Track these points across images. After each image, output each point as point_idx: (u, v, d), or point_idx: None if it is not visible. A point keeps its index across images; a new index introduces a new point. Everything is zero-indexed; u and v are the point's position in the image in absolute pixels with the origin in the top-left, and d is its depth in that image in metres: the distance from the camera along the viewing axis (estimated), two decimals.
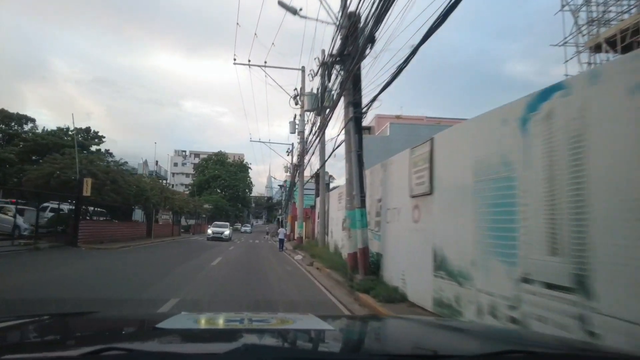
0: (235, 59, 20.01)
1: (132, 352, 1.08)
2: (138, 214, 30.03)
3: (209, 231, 31.33)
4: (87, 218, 19.10)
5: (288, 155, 36.41)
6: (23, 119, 33.85)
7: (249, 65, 19.09)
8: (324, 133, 15.17)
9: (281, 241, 22.21)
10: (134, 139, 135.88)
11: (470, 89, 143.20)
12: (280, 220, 50.19)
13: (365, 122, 13.01)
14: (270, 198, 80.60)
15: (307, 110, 17.51)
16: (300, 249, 20.25)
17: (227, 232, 30.64)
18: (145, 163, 47.10)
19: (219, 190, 63.00)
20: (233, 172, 67.13)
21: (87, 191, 15.54)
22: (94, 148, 33.10)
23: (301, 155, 21.18)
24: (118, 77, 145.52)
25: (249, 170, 70.71)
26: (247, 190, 69.98)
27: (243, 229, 57.36)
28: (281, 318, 2.00)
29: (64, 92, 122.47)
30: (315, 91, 15.00)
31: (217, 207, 55.52)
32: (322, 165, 15.87)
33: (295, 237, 24.31)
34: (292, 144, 35.95)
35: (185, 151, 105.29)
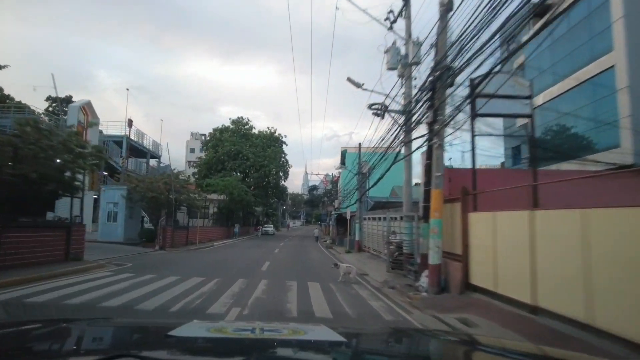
0: None
1: (144, 359, 1.09)
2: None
3: (262, 230, 43.79)
4: None
5: (390, 27, 12.50)
6: None
7: None
8: None
9: None
10: (173, 145, 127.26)
11: None
12: (346, 218, 25.78)
13: None
14: (314, 187, 56.69)
15: None
16: None
17: (271, 230, 45.68)
18: (87, 110, 25.12)
19: (237, 174, 40.38)
20: (260, 146, 44.39)
21: None
22: None
23: None
24: (155, 85, 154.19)
25: (284, 145, 47.62)
26: (281, 174, 46.78)
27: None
28: (293, 329, 1.90)
29: (104, 100, 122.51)
30: None
31: (232, 197, 32.81)
32: None
33: None
34: None
35: (204, 134, 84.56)
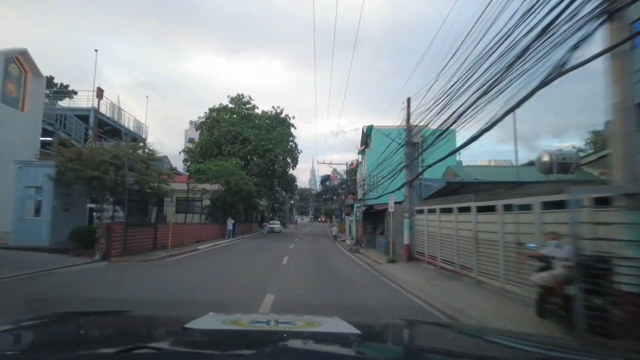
0: None
1: (161, 351, 1.13)
2: None
3: (267, 227, 38.18)
4: None
5: None
6: None
7: None
8: None
9: None
10: (177, 141, 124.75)
11: None
12: (380, 211, 18.57)
13: None
14: (327, 178, 49.15)
15: None
16: None
17: (277, 227, 39.62)
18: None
19: (236, 160, 33.19)
20: (263, 128, 37.26)
21: None
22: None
23: None
24: (161, 82, 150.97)
25: (291, 127, 40.21)
26: (289, 161, 39.39)
27: None
28: (307, 321, 1.88)
29: (110, 98, 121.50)
30: None
31: (229, 186, 25.88)
32: None
33: None
34: None
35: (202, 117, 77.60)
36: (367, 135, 29.08)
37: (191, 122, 77.60)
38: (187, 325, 1.44)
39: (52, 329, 1.52)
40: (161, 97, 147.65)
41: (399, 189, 15.81)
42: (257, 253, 16.94)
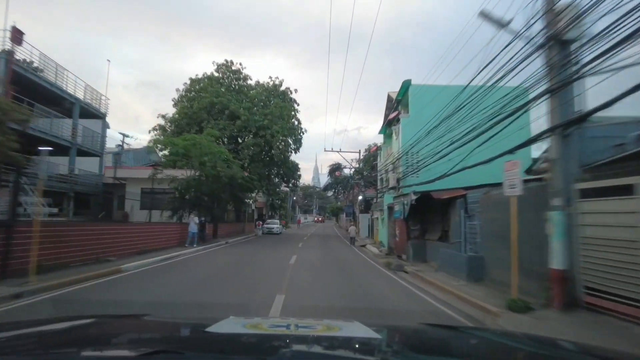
0: None
1: (184, 355, 1.11)
2: None
3: (263, 227, 31.40)
4: None
5: None
6: None
7: None
8: None
9: None
10: None
11: None
12: (443, 201, 10.22)
13: None
14: (336, 167, 40.70)
15: None
16: None
17: (276, 227, 32.48)
18: None
19: (217, 133, 24.87)
20: (259, 103, 29.14)
21: None
22: None
23: None
24: (165, 81, 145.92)
25: (295, 104, 31.91)
26: (290, 143, 30.94)
27: None
28: (327, 325, 1.87)
29: (114, 96, 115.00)
30: None
31: (204, 168, 17.86)
32: None
33: None
34: None
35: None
36: (399, 101, 20.89)
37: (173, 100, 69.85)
38: (208, 329, 1.46)
39: (74, 331, 1.52)
40: (164, 97, 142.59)
41: (511, 151, 7.66)
42: (227, 283, 8.83)
